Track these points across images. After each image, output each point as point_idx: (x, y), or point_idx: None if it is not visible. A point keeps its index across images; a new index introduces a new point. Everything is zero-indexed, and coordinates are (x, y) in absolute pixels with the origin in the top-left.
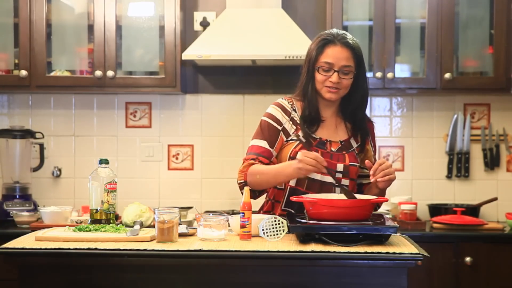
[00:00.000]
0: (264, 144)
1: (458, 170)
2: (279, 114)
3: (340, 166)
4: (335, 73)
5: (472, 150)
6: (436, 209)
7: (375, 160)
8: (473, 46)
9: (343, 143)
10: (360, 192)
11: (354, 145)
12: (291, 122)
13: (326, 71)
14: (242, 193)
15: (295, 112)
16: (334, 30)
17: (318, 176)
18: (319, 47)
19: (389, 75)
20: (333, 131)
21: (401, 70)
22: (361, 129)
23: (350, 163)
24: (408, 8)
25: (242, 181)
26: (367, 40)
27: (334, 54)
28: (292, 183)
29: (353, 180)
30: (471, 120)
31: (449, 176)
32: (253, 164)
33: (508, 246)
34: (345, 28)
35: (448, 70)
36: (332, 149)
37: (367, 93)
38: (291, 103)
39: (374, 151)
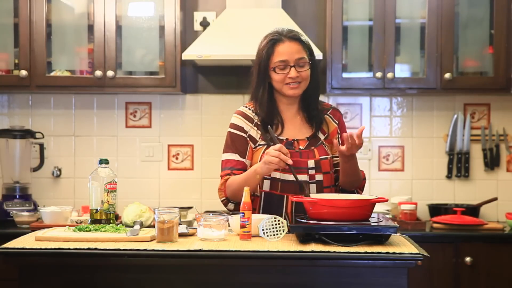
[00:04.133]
0: (235, 156)
1: (458, 170)
2: (242, 123)
3: (311, 163)
4: (292, 68)
5: (472, 150)
6: (436, 209)
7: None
8: (473, 46)
9: (310, 139)
10: (336, 178)
11: (322, 137)
12: (255, 128)
13: (283, 69)
14: (228, 209)
15: (258, 116)
16: (280, 28)
17: (291, 177)
18: (269, 47)
19: (389, 75)
20: (298, 129)
21: (401, 70)
22: (315, 118)
23: (321, 157)
24: (408, 8)
25: (224, 198)
26: (367, 40)
27: (285, 51)
28: (266, 187)
29: (328, 173)
30: (471, 120)
31: (449, 176)
32: (228, 179)
33: (508, 246)
34: (345, 28)
35: (448, 70)
36: (300, 147)
37: (319, 83)
38: (252, 108)
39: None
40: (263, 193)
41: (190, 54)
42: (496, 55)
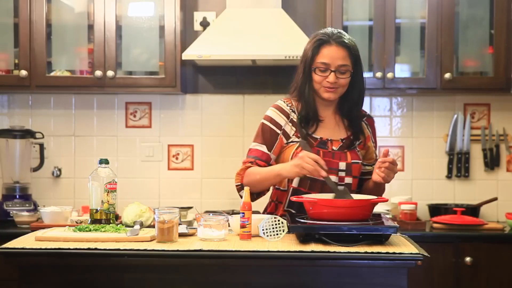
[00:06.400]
0: (263, 148)
1: (458, 170)
2: (278, 117)
3: (342, 165)
4: (332, 73)
5: (472, 150)
6: (436, 209)
7: (376, 156)
8: (473, 46)
9: (344, 141)
10: (360, 187)
11: (356, 142)
12: (290, 124)
13: (323, 72)
14: (240, 196)
15: (294, 113)
16: (330, 30)
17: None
18: (315, 47)
19: (389, 75)
20: (333, 130)
21: (401, 70)
22: (356, 127)
23: (352, 161)
24: (408, 8)
25: (239, 183)
26: (367, 40)
27: (329, 54)
28: (295, 184)
29: (356, 177)
30: (471, 120)
31: (449, 176)
32: (250, 167)
33: (508, 246)
34: (345, 28)
35: (448, 70)
36: (334, 148)
37: (364, 91)
38: (289, 104)
39: (375, 147)
40: (291, 188)
41: (190, 54)
42: (496, 55)
